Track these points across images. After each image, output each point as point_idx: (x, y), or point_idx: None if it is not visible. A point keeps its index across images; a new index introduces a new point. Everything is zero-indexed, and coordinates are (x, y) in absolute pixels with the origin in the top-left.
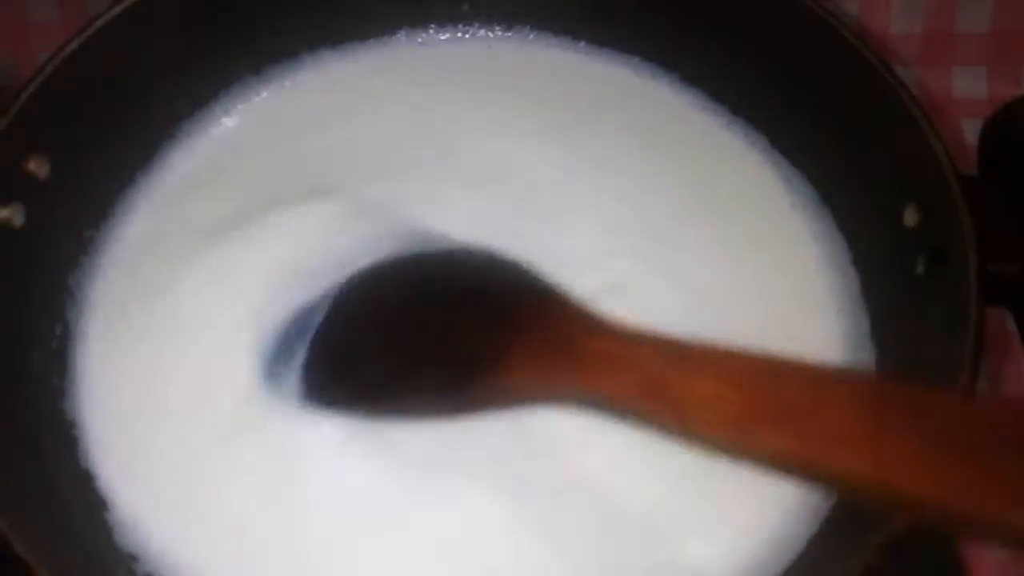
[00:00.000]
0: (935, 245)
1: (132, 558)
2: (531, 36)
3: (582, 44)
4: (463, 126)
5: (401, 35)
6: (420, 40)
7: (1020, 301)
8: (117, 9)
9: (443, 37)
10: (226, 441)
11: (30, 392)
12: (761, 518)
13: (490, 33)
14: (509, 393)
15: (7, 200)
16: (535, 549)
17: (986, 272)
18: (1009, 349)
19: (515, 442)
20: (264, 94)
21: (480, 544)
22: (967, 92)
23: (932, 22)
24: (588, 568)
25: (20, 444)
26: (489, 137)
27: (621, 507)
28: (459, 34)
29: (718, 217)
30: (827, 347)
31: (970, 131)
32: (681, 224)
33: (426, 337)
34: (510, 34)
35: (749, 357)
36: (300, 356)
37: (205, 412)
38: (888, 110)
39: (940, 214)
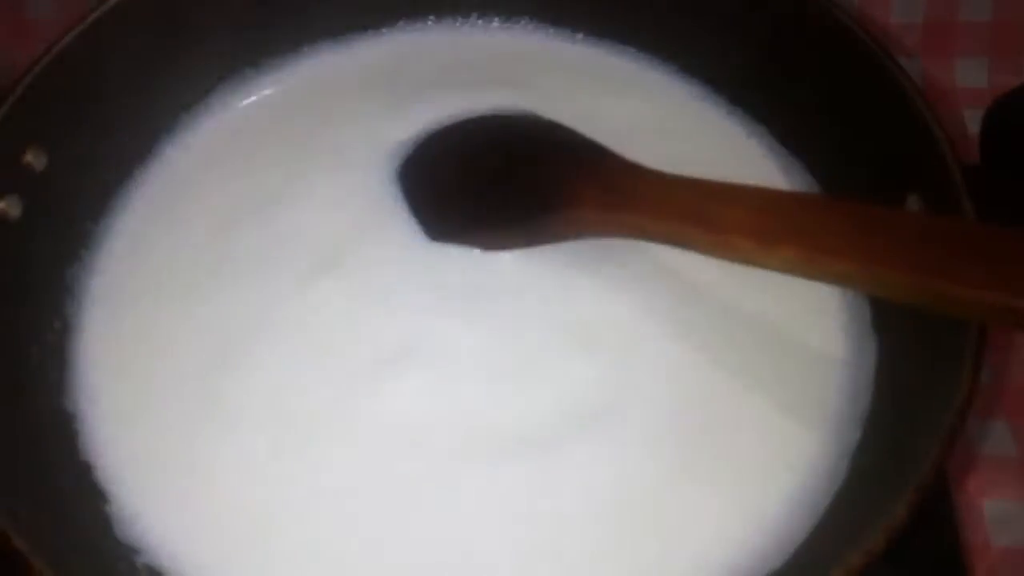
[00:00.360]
0: None
1: (132, 550)
2: (530, 27)
3: (580, 35)
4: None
5: (400, 26)
6: (419, 31)
7: None
8: (112, 2)
9: (442, 28)
10: (224, 433)
11: (29, 386)
12: (763, 510)
13: (489, 24)
14: (577, 225)
15: (4, 192)
16: (534, 537)
17: None
18: (1013, 340)
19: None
20: (262, 86)
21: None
22: (970, 82)
23: (934, 12)
24: (590, 560)
25: (19, 437)
26: None
27: (623, 499)
28: (458, 25)
29: None
30: (830, 337)
31: (972, 121)
32: None
33: (504, 178)
34: (509, 25)
35: (768, 190)
36: None
37: (203, 404)
38: (889, 99)
39: (942, 204)
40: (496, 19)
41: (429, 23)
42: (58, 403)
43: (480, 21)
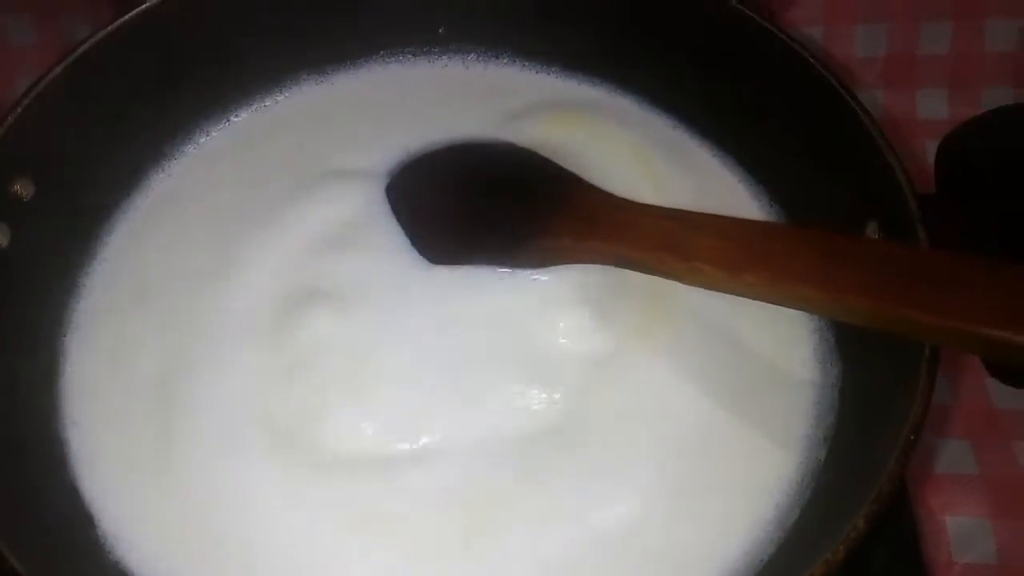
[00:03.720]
0: None
1: (120, 572)
2: (505, 60)
3: (554, 69)
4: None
5: (378, 59)
6: (398, 63)
7: None
8: (100, 34)
9: (420, 61)
10: (196, 456)
11: (18, 411)
12: (737, 530)
13: (466, 57)
14: (555, 252)
15: None
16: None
17: None
18: (975, 363)
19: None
20: (245, 116)
21: None
22: (930, 114)
23: (895, 46)
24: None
25: (10, 461)
26: None
27: (607, 529)
28: (436, 57)
29: None
30: (800, 360)
31: (932, 151)
32: None
33: (482, 208)
34: (485, 59)
35: (737, 219)
36: None
37: (175, 429)
38: (850, 132)
39: (899, 232)
40: (473, 53)
41: (408, 56)
42: (46, 428)
43: (457, 55)
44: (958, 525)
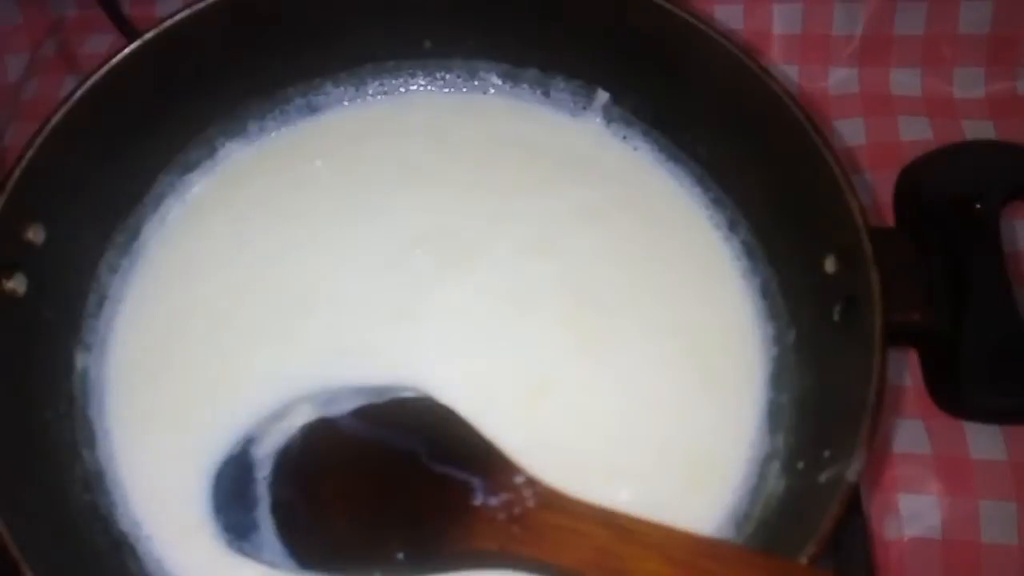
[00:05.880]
0: (849, 295)
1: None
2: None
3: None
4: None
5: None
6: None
7: (925, 343)
8: (109, 66)
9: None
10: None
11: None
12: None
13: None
14: (471, 558)
15: (11, 272)
16: None
17: (889, 328)
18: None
19: None
20: (263, 141)
21: None
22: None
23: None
24: None
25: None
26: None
27: None
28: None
29: (661, 262)
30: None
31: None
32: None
33: (387, 509)
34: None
35: (686, 537)
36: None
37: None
38: (813, 167)
39: (854, 266)
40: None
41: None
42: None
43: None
44: (910, 502)
